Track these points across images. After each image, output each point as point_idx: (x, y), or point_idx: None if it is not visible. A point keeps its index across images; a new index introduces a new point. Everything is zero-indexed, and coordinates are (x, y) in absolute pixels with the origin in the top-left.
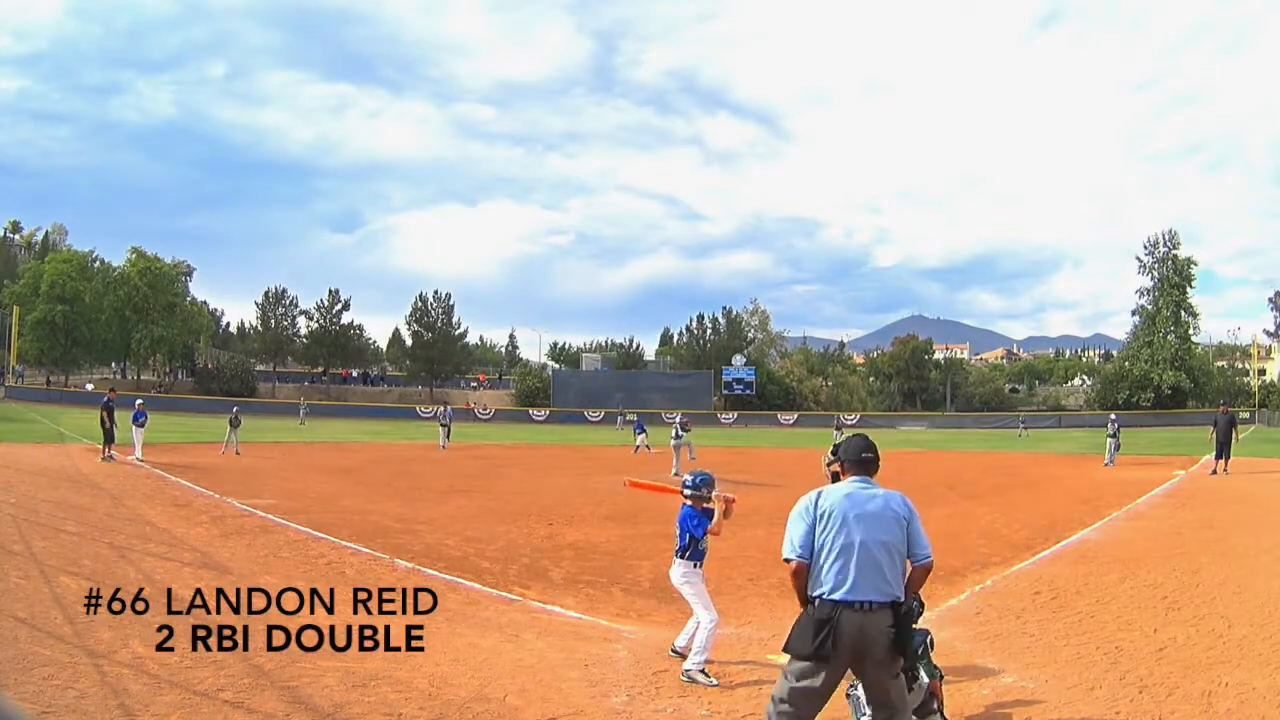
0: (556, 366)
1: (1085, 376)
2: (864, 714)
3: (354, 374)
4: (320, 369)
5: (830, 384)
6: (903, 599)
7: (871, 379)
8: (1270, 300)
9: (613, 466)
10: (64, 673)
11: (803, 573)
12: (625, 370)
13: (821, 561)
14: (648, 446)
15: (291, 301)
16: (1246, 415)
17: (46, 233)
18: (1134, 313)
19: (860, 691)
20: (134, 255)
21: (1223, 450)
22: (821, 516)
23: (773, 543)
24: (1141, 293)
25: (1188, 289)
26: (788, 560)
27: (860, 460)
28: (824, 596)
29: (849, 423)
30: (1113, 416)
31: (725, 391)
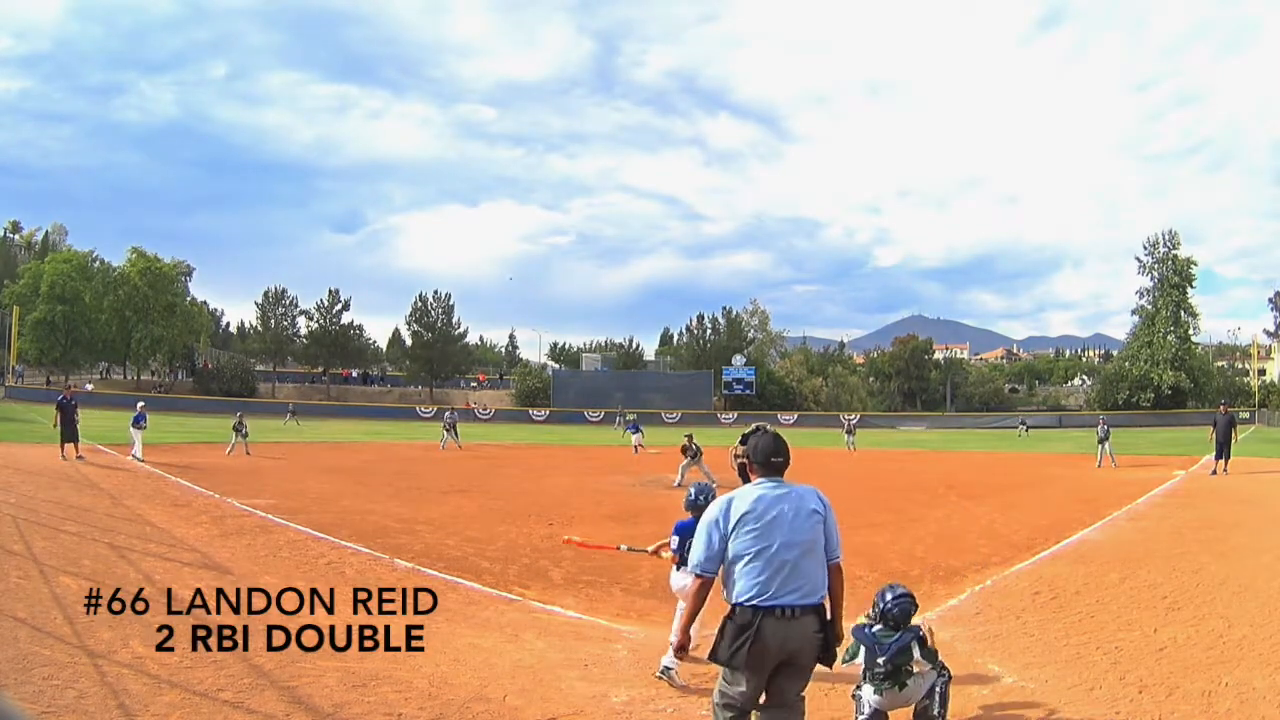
0: (556, 366)
1: (1085, 376)
2: (862, 714)
3: (354, 374)
4: (320, 369)
5: (830, 384)
6: (826, 601)
7: (871, 379)
8: (1270, 300)
9: (613, 466)
10: (64, 673)
11: (707, 587)
12: (625, 370)
13: (738, 567)
14: (643, 445)
15: (291, 301)
16: (1246, 415)
17: (46, 233)
18: (1134, 313)
19: (863, 692)
20: (134, 255)
21: (1222, 450)
22: (735, 524)
23: None
24: (1141, 293)
25: (1188, 289)
26: (695, 574)
27: (768, 464)
28: (742, 603)
29: (853, 422)
30: (1102, 418)
31: (725, 391)
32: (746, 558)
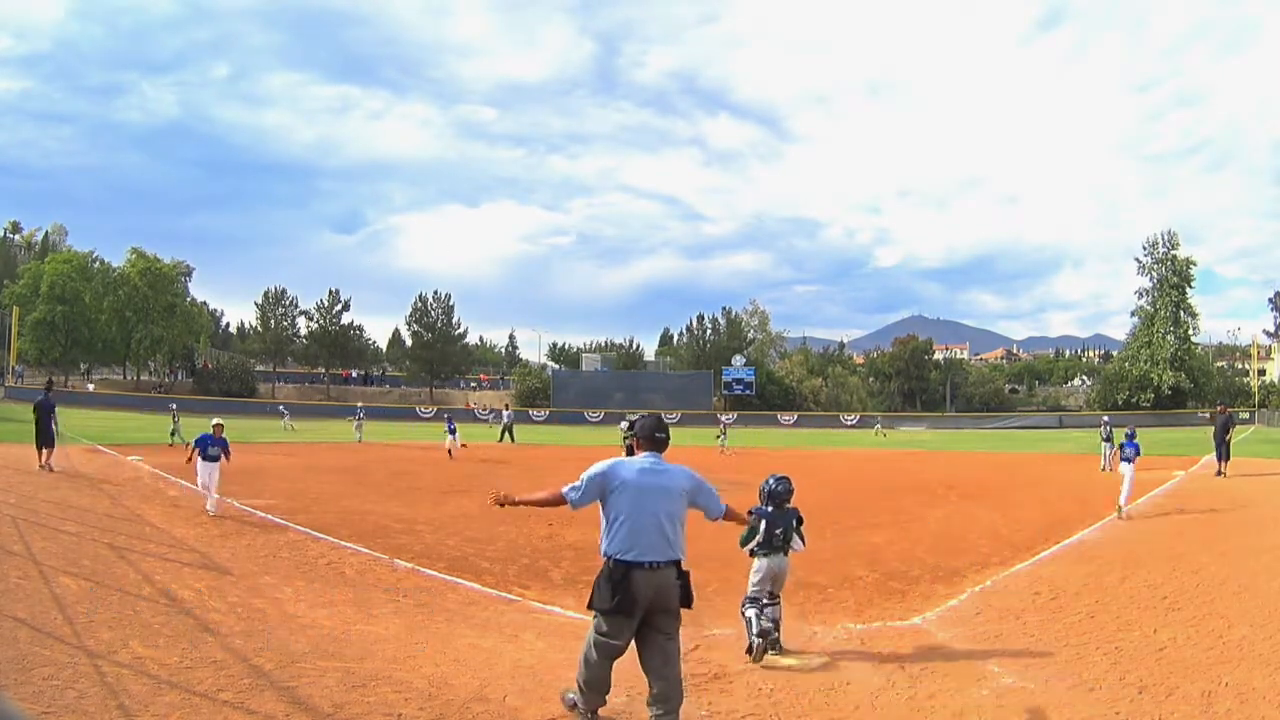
0: (556, 367)
1: (1085, 377)
2: (752, 628)
3: (354, 374)
4: (320, 369)
5: (830, 384)
6: (683, 558)
7: (871, 379)
8: (1270, 300)
9: None
10: (64, 673)
11: (560, 505)
12: (625, 370)
13: (615, 525)
14: (450, 452)
15: (291, 302)
16: (1246, 415)
17: (46, 233)
18: (1133, 313)
19: (755, 563)
20: (134, 256)
21: (1221, 451)
22: (617, 487)
23: None
24: (1141, 293)
25: (1187, 289)
26: (567, 500)
27: (652, 439)
28: (616, 558)
29: (728, 421)
30: (1105, 419)
31: (725, 392)
32: (622, 518)
